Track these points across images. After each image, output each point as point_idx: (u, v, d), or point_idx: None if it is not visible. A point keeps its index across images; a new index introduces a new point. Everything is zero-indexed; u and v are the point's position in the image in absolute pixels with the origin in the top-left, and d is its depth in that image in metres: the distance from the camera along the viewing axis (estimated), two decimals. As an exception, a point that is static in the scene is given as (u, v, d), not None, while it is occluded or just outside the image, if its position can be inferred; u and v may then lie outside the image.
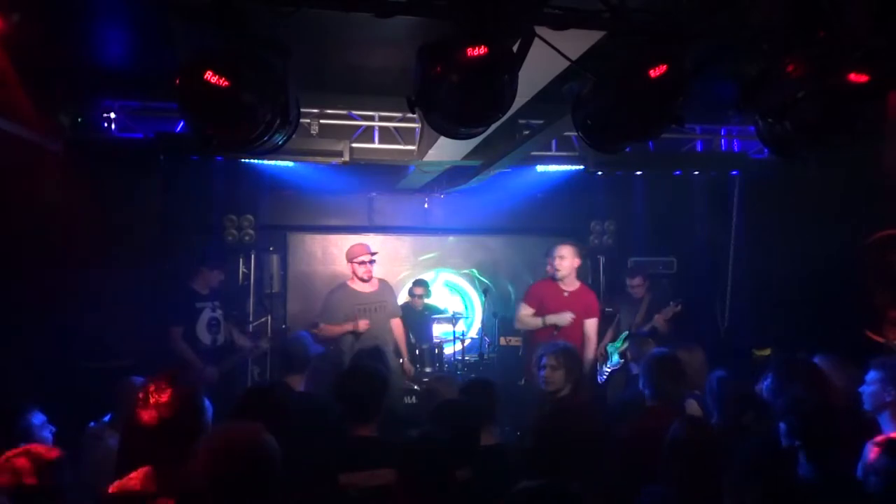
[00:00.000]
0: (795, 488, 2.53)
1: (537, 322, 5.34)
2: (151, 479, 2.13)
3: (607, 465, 2.82)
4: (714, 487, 2.45)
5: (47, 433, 3.01)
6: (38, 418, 2.98)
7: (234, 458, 1.91)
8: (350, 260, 5.61)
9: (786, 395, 2.94)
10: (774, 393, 3.18)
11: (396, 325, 5.78)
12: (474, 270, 7.75)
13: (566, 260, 5.38)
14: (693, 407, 3.56)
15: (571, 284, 5.48)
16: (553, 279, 5.48)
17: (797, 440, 2.65)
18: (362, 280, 5.55)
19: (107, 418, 3.55)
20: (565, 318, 5.26)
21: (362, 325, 5.35)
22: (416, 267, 7.66)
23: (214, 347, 5.62)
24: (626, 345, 5.84)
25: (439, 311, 6.84)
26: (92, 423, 3.55)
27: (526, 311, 5.43)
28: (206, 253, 5.92)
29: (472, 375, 5.92)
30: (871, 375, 3.11)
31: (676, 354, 3.60)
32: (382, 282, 5.84)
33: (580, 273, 5.80)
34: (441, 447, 2.46)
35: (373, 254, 5.59)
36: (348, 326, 5.37)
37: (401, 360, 5.71)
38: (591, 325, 5.44)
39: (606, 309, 6.41)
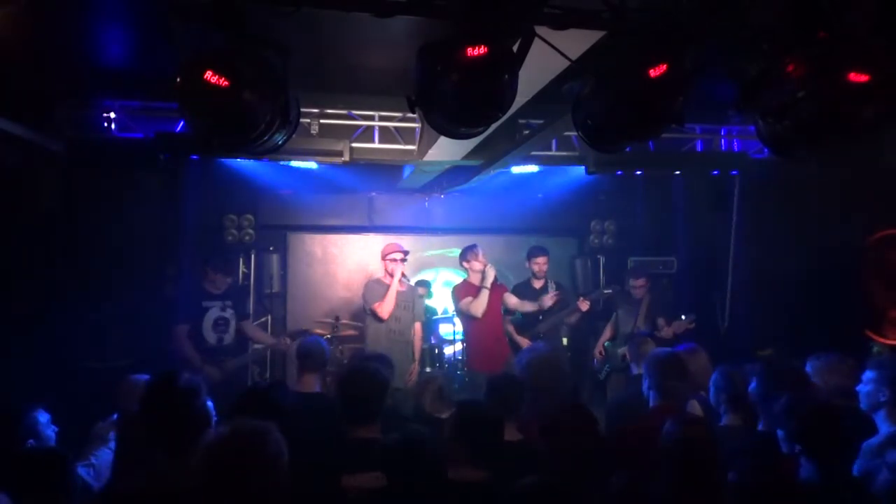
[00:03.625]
0: (798, 490, 2.53)
1: (483, 295, 5.75)
2: (153, 479, 2.13)
3: (610, 464, 2.82)
4: (710, 486, 2.45)
5: (51, 432, 3.01)
6: (43, 417, 2.99)
7: (240, 459, 1.88)
8: (383, 257, 5.74)
9: (774, 399, 2.95)
10: (762, 398, 3.19)
11: (417, 329, 5.85)
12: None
13: (484, 258, 5.95)
14: (695, 408, 3.56)
15: (479, 282, 5.93)
16: (471, 276, 5.98)
17: (797, 444, 2.66)
18: (390, 276, 5.64)
19: (115, 417, 3.54)
20: (490, 270, 5.84)
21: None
22: (416, 266, 7.66)
23: (220, 347, 5.59)
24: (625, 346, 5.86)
25: (439, 312, 6.87)
26: (101, 423, 3.54)
27: (469, 300, 5.83)
28: (211, 255, 5.94)
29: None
30: (867, 375, 3.14)
31: (679, 353, 3.60)
32: (410, 286, 5.94)
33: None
34: (427, 447, 2.44)
35: (405, 253, 5.74)
36: (393, 291, 5.51)
37: (414, 363, 5.73)
38: (508, 297, 6.06)
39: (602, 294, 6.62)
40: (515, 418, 3.18)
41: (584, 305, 6.24)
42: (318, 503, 2.56)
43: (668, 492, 2.47)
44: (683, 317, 5.89)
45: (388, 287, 5.57)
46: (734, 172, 6.57)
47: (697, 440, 2.53)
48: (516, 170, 6.37)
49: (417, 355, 5.79)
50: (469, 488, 2.55)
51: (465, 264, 6.01)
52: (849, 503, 2.55)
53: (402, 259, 5.67)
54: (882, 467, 2.73)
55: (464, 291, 5.92)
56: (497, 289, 5.93)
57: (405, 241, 7.60)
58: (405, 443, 2.47)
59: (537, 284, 6.32)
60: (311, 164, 5.75)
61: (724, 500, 2.44)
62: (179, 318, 5.46)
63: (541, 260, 6.25)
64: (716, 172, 6.46)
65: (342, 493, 2.59)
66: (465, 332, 6.08)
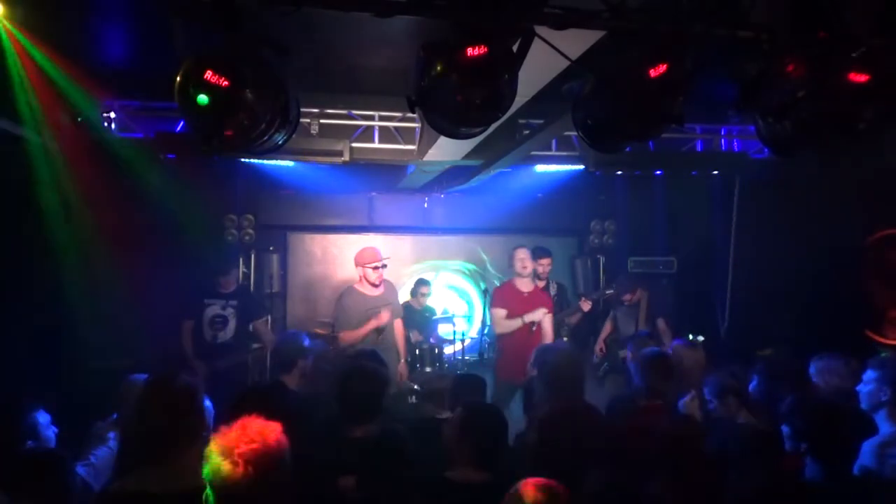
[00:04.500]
0: (802, 488, 2.53)
1: (517, 322, 5.54)
2: (152, 479, 2.13)
3: (603, 462, 2.82)
4: (708, 485, 2.45)
5: (50, 433, 3.01)
6: (42, 417, 2.99)
7: (244, 458, 1.87)
8: (360, 265, 5.45)
9: (776, 399, 2.96)
10: (763, 397, 3.20)
11: (398, 325, 5.63)
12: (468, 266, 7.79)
13: (528, 261, 5.73)
14: (688, 406, 3.57)
15: (528, 286, 5.77)
16: (516, 279, 5.77)
17: (802, 442, 2.66)
18: (373, 285, 5.41)
19: (114, 416, 3.54)
20: (539, 313, 5.53)
21: (384, 316, 5.23)
22: (416, 266, 7.67)
23: (215, 344, 5.62)
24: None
25: (438, 312, 6.86)
26: (100, 423, 3.53)
27: (501, 314, 5.63)
28: (214, 257, 5.96)
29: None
30: (868, 375, 3.15)
31: (668, 353, 3.63)
32: (387, 283, 5.68)
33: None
34: (399, 445, 2.44)
35: (384, 259, 5.46)
36: (371, 325, 5.21)
37: (400, 361, 5.59)
38: (546, 320, 5.66)
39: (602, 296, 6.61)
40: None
41: (586, 305, 6.21)
42: (315, 503, 2.56)
43: (663, 491, 2.47)
44: (691, 336, 5.82)
45: (359, 297, 5.35)
46: (734, 172, 6.58)
47: (689, 439, 2.54)
48: (541, 168, 6.34)
49: (403, 353, 5.61)
50: (470, 489, 2.54)
51: (510, 268, 5.89)
52: (851, 501, 2.56)
53: (381, 266, 5.39)
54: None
55: (499, 297, 5.72)
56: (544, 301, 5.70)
57: (405, 241, 7.67)
58: (380, 439, 2.46)
59: (539, 285, 6.30)
60: (286, 163, 5.73)
61: (725, 499, 2.44)
62: (185, 314, 5.58)
63: (545, 261, 6.18)
64: (716, 172, 6.47)
65: (340, 494, 2.58)
66: (497, 339, 5.85)
